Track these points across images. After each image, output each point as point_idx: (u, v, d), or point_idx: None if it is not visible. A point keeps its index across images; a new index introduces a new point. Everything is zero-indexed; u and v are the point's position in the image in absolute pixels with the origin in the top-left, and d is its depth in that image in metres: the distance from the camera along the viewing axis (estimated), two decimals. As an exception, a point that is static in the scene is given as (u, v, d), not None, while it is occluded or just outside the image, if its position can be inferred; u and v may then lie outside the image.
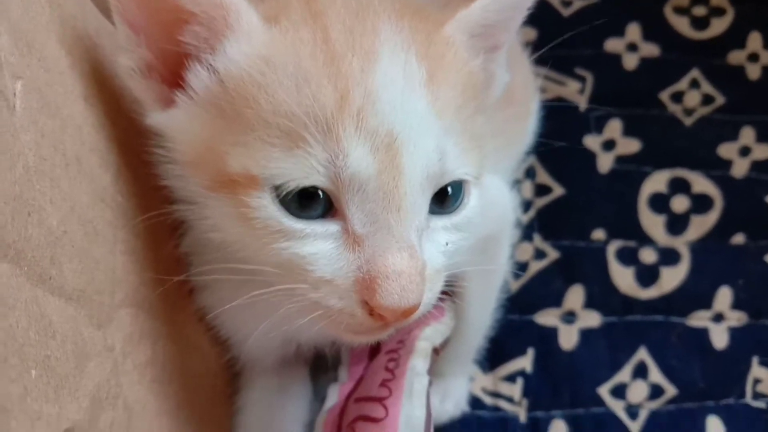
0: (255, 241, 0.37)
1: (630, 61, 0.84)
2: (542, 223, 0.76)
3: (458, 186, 0.40)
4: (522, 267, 0.73)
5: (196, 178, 0.37)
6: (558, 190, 0.77)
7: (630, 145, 0.79)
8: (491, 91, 0.44)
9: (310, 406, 0.55)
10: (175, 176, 0.38)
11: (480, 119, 0.42)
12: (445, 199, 0.39)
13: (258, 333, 0.46)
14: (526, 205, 0.77)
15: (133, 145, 0.37)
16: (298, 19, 0.37)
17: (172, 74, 0.37)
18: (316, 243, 0.36)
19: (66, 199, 0.32)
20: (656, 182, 0.78)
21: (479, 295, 0.57)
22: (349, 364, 0.50)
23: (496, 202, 0.54)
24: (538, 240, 0.75)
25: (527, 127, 0.68)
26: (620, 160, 0.79)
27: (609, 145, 0.80)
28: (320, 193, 0.36)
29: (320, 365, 0.54)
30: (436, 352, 0.51)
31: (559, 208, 0.77)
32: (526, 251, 0.74)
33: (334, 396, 0.49)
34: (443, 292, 0.54)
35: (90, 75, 0.37)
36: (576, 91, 0.82)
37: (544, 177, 0.78)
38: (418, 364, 0.47)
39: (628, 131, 0.80)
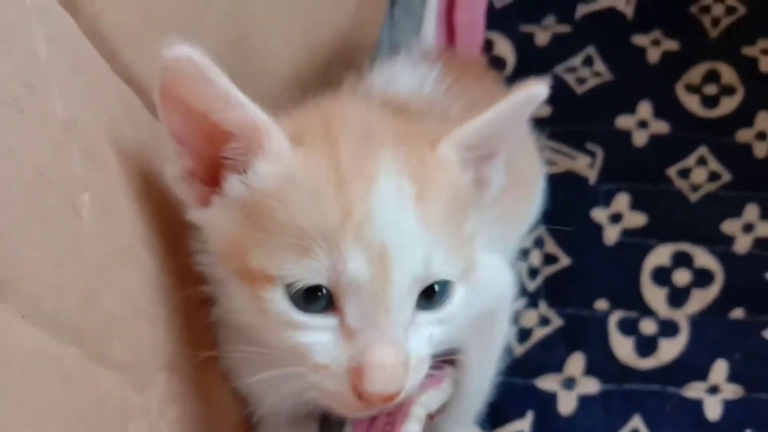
0: (266, 328, 0.44)
1: (640, 138, 0.89)
2: (548, 291, 0.81)
3: (445, 284, 0.46)
4: (526, 333, 0.79)
5: (225, 267, 0.44)
6: (564, 260, 0.83)
7: (636, 219, 0.85)
8: (485, 194, 0.51)
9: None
10: (208, 264, 0.45)
11: (470, 223, 0.48)
12: (432, 295, 0.46)
13: (275, 396, 0.53)
14: (534, 273, 0.82)
15: (176, 235, 0.45)
16: (318, 143, 0.44)
17: (211, 177, 0.44)
18: (317, 334, 0.43)
19: (120, 286, 0.39)
20: (660, 255, 0.82)
21: (477, 366, 0.62)
22: (353, 424, 0.56)
23: (495, 281, 0.60)
24: (543, 307, 0.80)
25: (532, 206, 0.74)
26: (626, 233, 0.84)
27: (616, 218, 0.85)
28: (324, 290, 0.43)
29: (328, 422, 0.60)
30: (430, 417, 0.57)
31: (565, 277, 0.82)
32: (532, 318, 0.80)
33: None
34: (443, 361, 0.61)
35: (139, 175, 0.44)
36: (586, 166, 0.88)
37: (551, 247, 0.84)
38: (411, 427, 0.53)
39: (635, 205, 0.85)
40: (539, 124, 0.90)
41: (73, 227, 0.36)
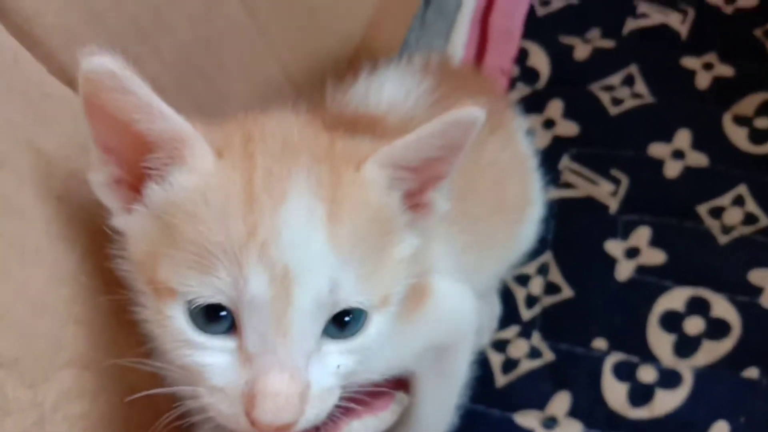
0: (167, 343, 0.44)
1: (673, 169, 0.83)
2: (545, 322, 0.78)
3: (360, 313, 0.44)
4: (513, 363, 0.75)
5: (139, 275, 0.44)
6: (567, 292, 0.79)
7: (654, 256, 0.79)
8: (429, 218, 0.48)
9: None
10: (126, 270, 0.45)
11: (401, 247, 0.46)
12: (345, 324, 0.44)
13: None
14: (532, 302, 0.79)
15: (100, 238, 0.45)
16: (235, 157, 0.43)
17: (136, 185, 0.44)
18: (214, 355, 0.43)
19: (13, 284, 0.40)
20: (673, 299, 0.77)
21: (432, 397, 0.60)
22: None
23: (455, 312, 0.58)
24: (536, 338, 0.77)
25: (519, 237, 0.70)
26: (641, 270, 0.79)
27: (632, 252, 0.80)
28: (226, 311, 0.42)
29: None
30: None
31: (566, 309, 0.78)
32: (521, 348, 0.76)
33: None
34: (393, 386, 0.59)
35: (60, 177, 0.45)
36: (608, 193, 0.83)
37: (556, 276, 0.80)
38: None
39: (656, 241, 0.80)
40: (563, 143, 0.86)
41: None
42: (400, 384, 0.61)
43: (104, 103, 0.41)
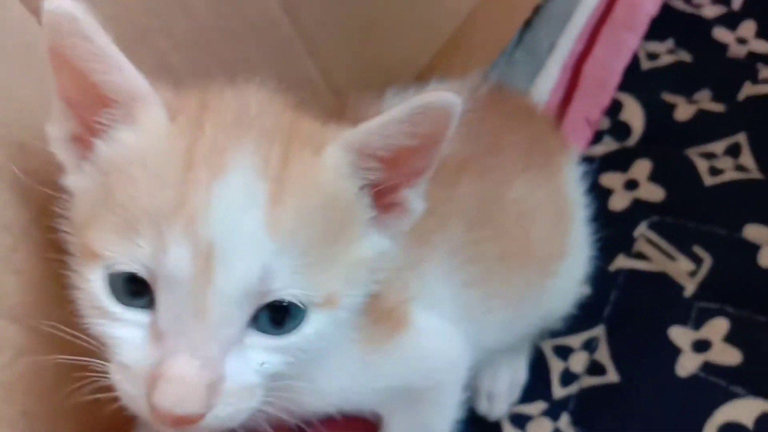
0: (84, 309, 0.41)
1: (769, 257, 0.71)
2: (579, 405, 0.68)
3: (298, 310, 0.40)
4: (531, 444, 0.66)
5: (75, 237, 0.42)
6: (613, 376, 0.68)
7: (728, 355, 0.67)
8: (403, 220, 0.44)
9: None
10: (66, 231, 0.43)
11: (360, 246, 0.42)
12: (282, 318, 0.40)
13: None
14: (568, 379, 0.69)
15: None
16: (185, 124, 0.41)
17: (90, 143, 0.42)
18: (126, 328, 0.40)
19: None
20: (742, 410, 0.65)
21: None
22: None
23: (433, 352, 0.51)
24: (564, 421, 0.67)
25: (545, 288, 0.61)
26: (708, 368, 0.67)
27: (702, 346, 0.68)
28: (147, 285, 0.39)
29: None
30: None
31: (607, 396, 0.68)
32: (544, 428, 0.67)
33: None
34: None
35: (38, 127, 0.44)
36: (686, 273, 0.72)
37: (604, 355, 0.70)
38: None
39: (733, 338, 0.68)
40: (643, 208, 0.76)
41: None
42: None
43: (65, 50, 0.40)
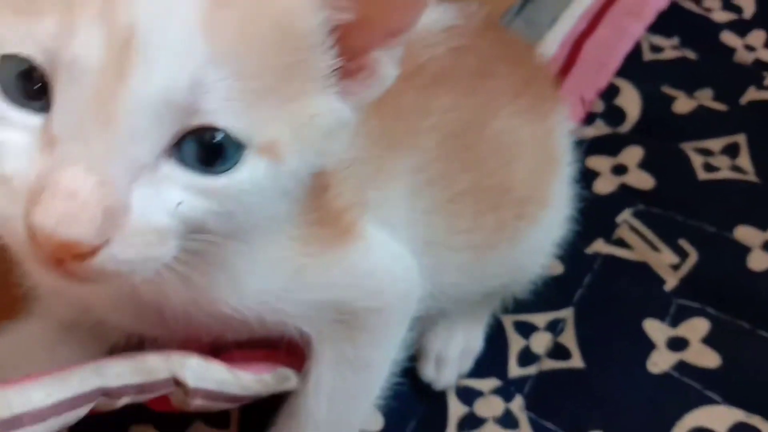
0: None
1: (759, 261, 0.66)
2: (536, 388, 0.60)
3: (233, 148, 0.33)
4: (476, 422, 0.57)
5: None
6: (577, 362, 0.61)
7: (706, 358, 0.61)
8: (372, 86, 0.37)
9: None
10: None
11: (313, 101, 0.35)
12: (213, 156, 0.33)
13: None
14: (527, 359, 0.61)
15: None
16: None
17: None
18: (9, 131, 0.32)
19: None
20: (715, 417, 0.58)
21: (328, 387, 0.45)
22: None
23: (378, 269, 0.44)
24: (517, 404, 0.59)
25: (518, 236, 0.54)
26: (683, 368, 0.60)
27: (678, 344, 0.62)
28: (43, 85, 0.32)
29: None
30: (180, 386, 0.39)
31: (568, 383, 0.60)
32: (494, 408, 0.59)
33: None
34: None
35: None
36: (669, 265, 0.66)
37: (570, 339, 0.62)
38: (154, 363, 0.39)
39: (713, 340, 0.62)
40: (629, 194, 0.70)
41: None
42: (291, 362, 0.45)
43: None
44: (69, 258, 0.30)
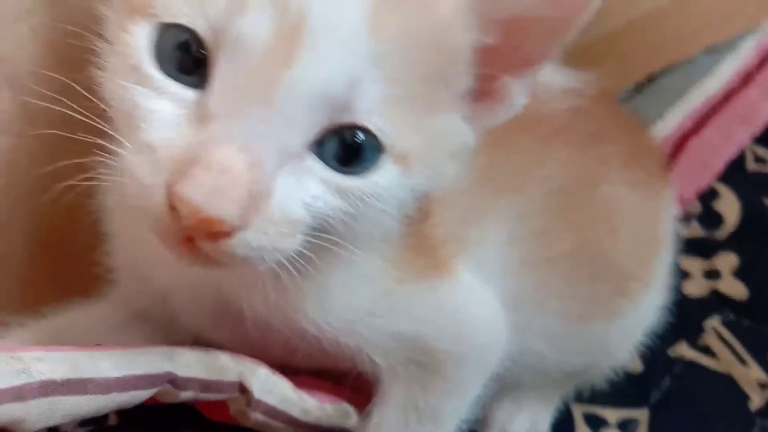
0: (115, 75, 0.33)
1: None
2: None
3: (373, 152, 0.32)
4: None
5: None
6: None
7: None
8: (501, 111, 0.37)
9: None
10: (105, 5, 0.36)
11: (445, 118, 0.35)
12: (352, 156, 0.32)
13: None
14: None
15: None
16: None
17: None
18: (162, 101, 0.32)
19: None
20: None
21: (389, 428, 0.42)
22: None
23: (464, 312, 0.42)
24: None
25: (613, 309, 0.51)
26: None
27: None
28: (201, 54, 0.32)
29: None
30: (244, 395, 0.37)
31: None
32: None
33: None
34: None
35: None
36: (756, 382, 0.61)
37: (641, 442, 0.57)
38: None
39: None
40: (720, 301, 0.66)
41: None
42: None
43: None
44: (203, 236, 0.30)
